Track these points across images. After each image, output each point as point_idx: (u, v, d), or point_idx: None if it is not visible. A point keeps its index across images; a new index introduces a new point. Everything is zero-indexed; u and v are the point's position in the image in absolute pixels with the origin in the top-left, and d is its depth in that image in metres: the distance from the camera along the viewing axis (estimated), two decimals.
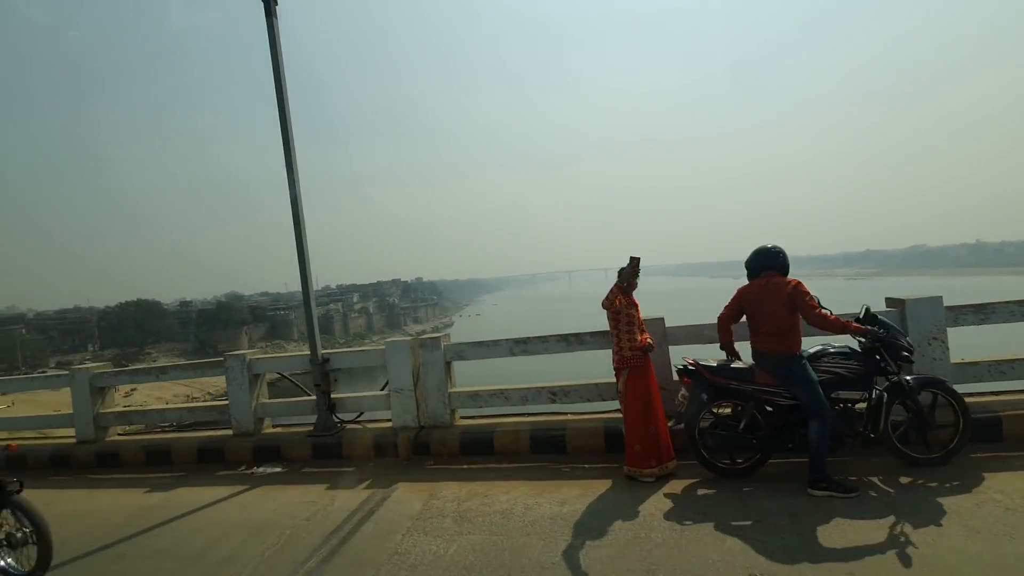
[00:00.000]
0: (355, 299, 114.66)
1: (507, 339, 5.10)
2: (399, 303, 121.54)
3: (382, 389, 5.36)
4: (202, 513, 4.01)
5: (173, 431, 6.23)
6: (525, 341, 5.03)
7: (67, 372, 6.19)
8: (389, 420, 5.27)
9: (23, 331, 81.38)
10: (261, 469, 4.90)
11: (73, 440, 5.95)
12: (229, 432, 5.57)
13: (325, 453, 5.05)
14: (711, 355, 4.09)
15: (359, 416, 5.56)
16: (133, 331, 79.89)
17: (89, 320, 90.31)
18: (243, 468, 5.04)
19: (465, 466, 4.55)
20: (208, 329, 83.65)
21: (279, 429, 5.75)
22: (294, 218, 5.13)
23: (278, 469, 4.87)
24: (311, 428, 5.28)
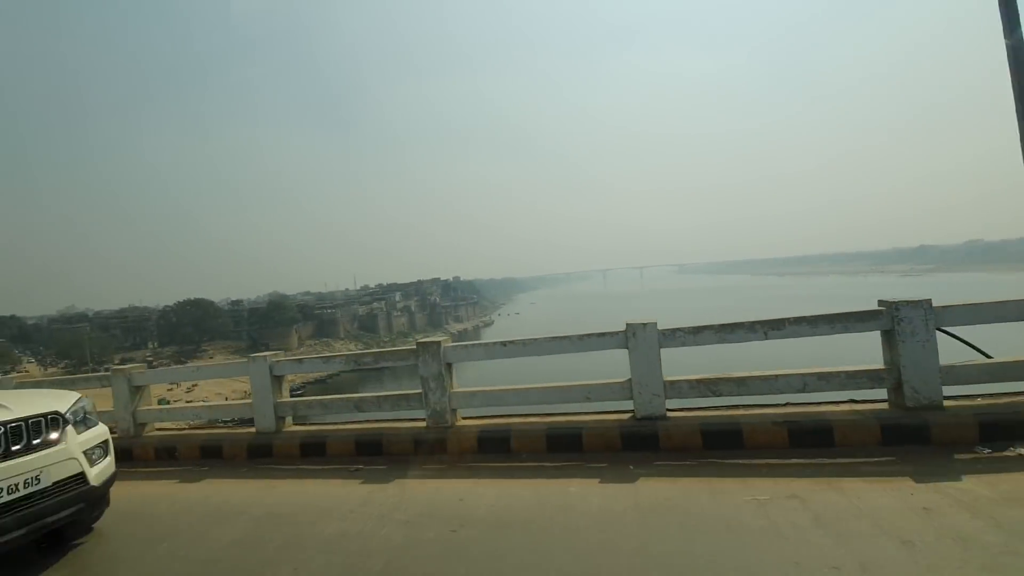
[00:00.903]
0: (397, 298, 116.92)
1: None
2: (440, 302, 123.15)
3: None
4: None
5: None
6: None
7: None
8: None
9: (88, 330, 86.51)
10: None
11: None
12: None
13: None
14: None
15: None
16: (190, 329, 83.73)
17: (148, 319, 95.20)
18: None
19: None
20: (260, 327, 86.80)
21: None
22: None
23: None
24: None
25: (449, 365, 4.95)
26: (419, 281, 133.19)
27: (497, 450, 4.64)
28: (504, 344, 4.77)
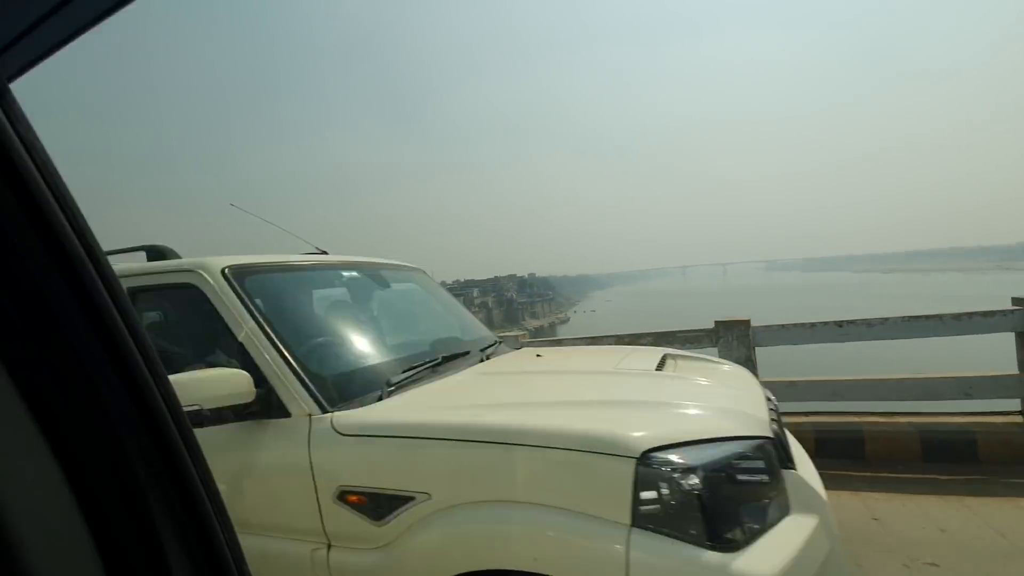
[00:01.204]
0: (475, 294, 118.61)
1: None
2: (516, 298, 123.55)
3: None
4: None
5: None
6: None
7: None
8: None
9: None
10: None
11: None
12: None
13: None
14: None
15: None
16: None
17: None
18: None
19: None
20: None
21: None
22: None
23: None
24: None
25: (754, 349, 4.11)
26: (495, 278, 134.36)
27: (840, 455, 3.74)
28: (840, 324, 3.86)
